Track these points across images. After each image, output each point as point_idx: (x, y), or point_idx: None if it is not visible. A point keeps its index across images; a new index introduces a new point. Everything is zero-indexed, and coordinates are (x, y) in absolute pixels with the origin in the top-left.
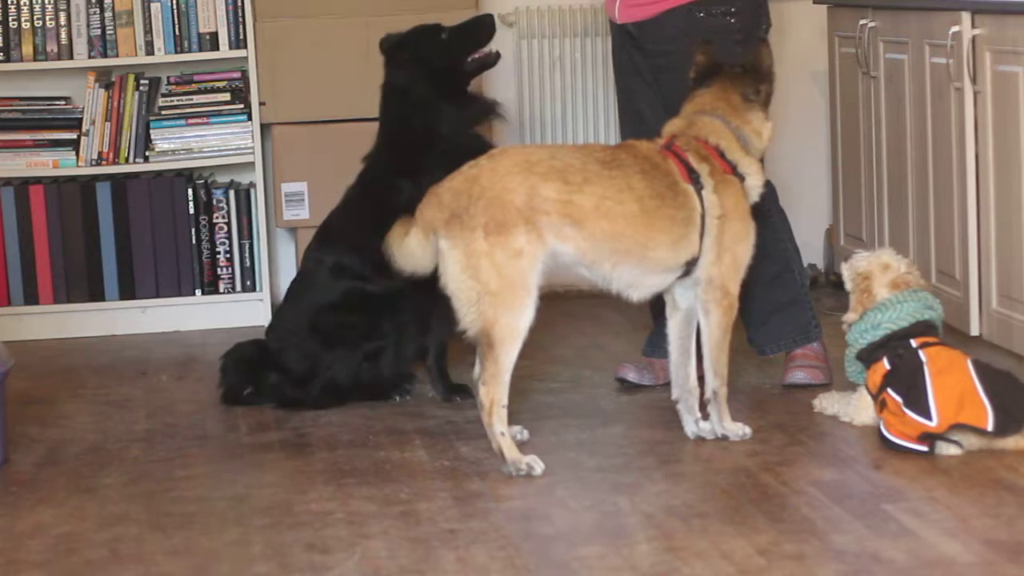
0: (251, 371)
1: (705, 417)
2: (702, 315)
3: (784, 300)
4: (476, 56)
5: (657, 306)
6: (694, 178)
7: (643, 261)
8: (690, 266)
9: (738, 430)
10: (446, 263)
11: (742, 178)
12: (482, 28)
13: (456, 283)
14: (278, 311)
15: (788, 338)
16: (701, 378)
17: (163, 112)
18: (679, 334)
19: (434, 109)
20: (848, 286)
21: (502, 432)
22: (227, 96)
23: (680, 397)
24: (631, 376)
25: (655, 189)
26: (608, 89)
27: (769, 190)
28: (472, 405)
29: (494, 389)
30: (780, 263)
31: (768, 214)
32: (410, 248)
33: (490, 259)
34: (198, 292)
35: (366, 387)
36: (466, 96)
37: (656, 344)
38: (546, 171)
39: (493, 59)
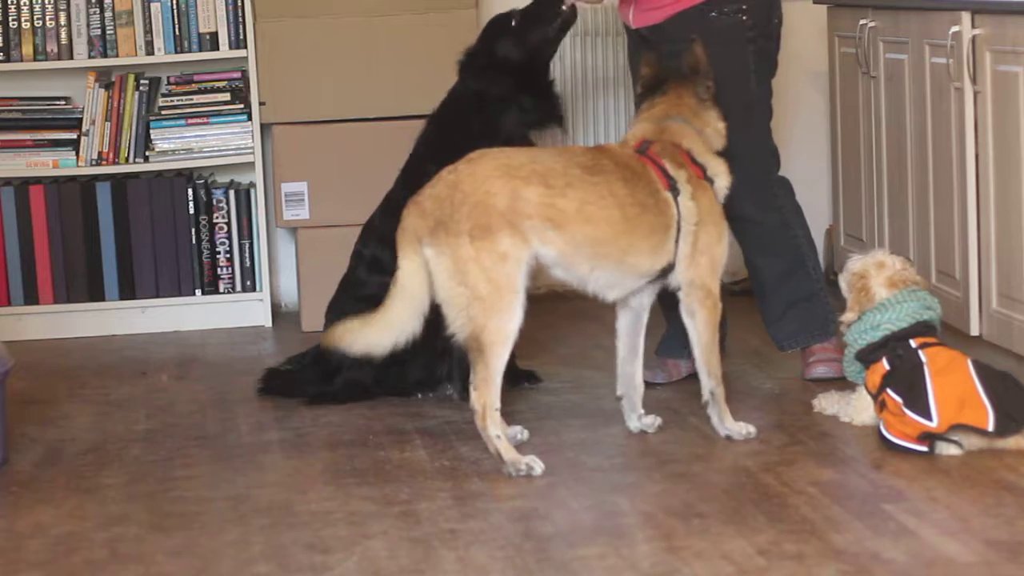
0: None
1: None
2: (688, 318)
3: (799, 296)
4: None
5: (668, 305)
6: (671, 185)
7: (621, 266)
8: (664, 272)
9: (741, 429)
10: (434, 271)
11: (711, 181)
12: (551, 5)
13: (445, 290)
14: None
15: (806, 333)
16: (694, 375)
17: (163, 112)
18: (628, 331)
19: (508, 105)
20: (844, 289)
21: (497, 435)
22: (227, 96)
23: (624, 394)
24: (645, 375)
25: (636, 197)
26: (608, 88)
27: (785, 186)
28: None
29: (486, 393)
30: (792, 259)
31: (781, 210)
32: (418, 280)
33: (477, 264)
34: (198, 292)
35: (391, 383)
36: (546, 84)
37: (670, 345)
38: (527, 175)
39: (571, 15)
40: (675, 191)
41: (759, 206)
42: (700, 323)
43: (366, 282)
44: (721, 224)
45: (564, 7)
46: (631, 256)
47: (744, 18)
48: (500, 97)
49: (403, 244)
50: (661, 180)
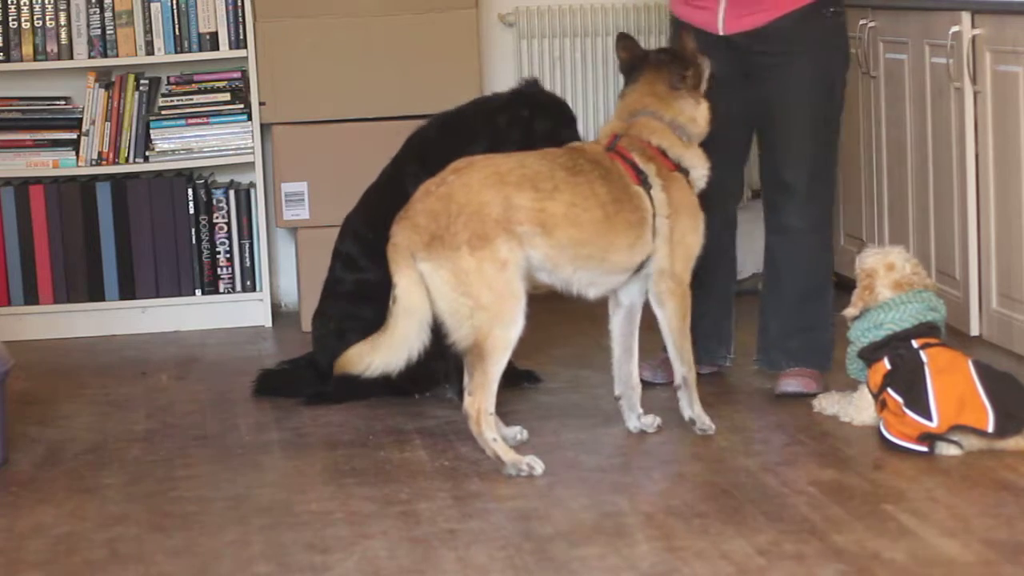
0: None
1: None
2: (657, 307)
3: (814, 321)
4: None
5: None
6: (642, 179)
7: (603, 264)
8: (642, 264)
9: (706, 420)
10: (432, 284)
11: (687, 172)
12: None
13: (447, 302)
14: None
15: (804, 358)
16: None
17: (163, 112)
18: (622, 331)
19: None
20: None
21: (494, 438)
22: (227, 96)
23: (623, 394)
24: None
25: (613, 194)
26: (608, 89)
27: (827, 205)
28: None
29: (481, 398)
30: (819, 283)
31: (827, 231)
32: (417, 295)
33: (479, 274)
34: (198, 292)
35: (388, 383)
36: None
37: None
38: (518, 180)
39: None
40: (646, 184)
41: (813, 221)
42: (671, 311)
43: (343, 279)
44: (696, 215)
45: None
46: (612, 254)
47: (839, 20)
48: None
49: (397, 260)
50: (631, 175)
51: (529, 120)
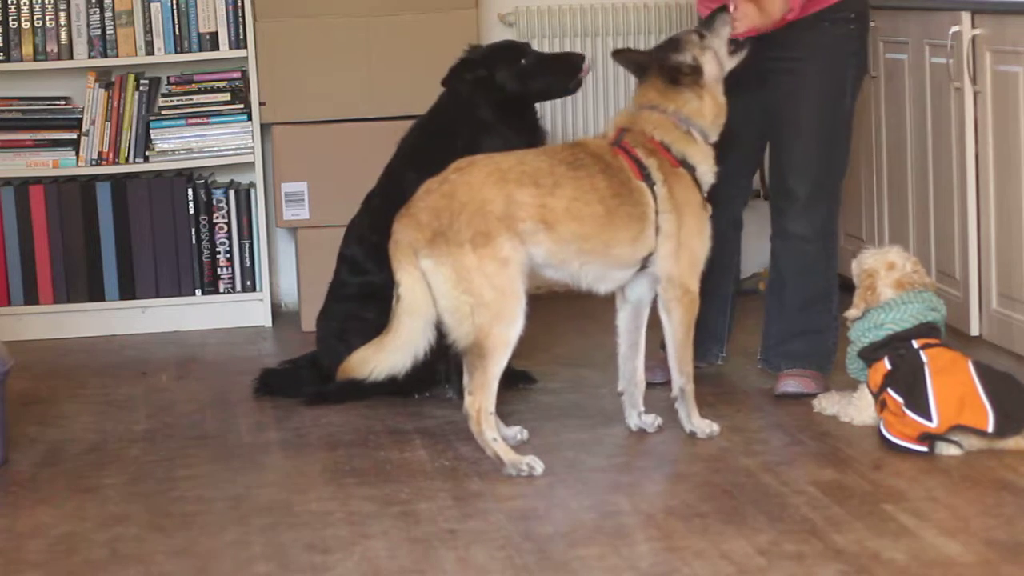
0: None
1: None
2: (664, 314)
3: (817, 325)
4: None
5: None
6: (645, 174)
7: (607, 259)
8: (646, 260)
9: (706, 427)
10: (433, 282)
11: (692, 168)
12: (568, 71)
13: (448, 300)
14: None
15: (807, 361)
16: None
17: (163, 112)
18: (628, 327)
19: (490, 131)
20: (854, 276)
21: (494, 438)
22: (227, 96)
23: (626, 390)
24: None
25: (614, 188)
26: (607, 88)
27: (832, 212)
28: None
29: (481, 398)
30: (823, 288)
31: (831, 237)
32: (421, 292)
33: (481, 272)
34: (198, 292)
35: (388, 383)
36: (528, 123)
37: None
38: (519, 176)
39: (577, 86)
40: (649, 180)
41: (816, 228)
42: (676, 321)
43: (348, 283)
44: (700, 215)
45: (581, 74)
46: (614, 248)
47: (852, 27)
48: (488, 122)
49: (399, 258)
50: (633, 169)
51: (489, 76)
